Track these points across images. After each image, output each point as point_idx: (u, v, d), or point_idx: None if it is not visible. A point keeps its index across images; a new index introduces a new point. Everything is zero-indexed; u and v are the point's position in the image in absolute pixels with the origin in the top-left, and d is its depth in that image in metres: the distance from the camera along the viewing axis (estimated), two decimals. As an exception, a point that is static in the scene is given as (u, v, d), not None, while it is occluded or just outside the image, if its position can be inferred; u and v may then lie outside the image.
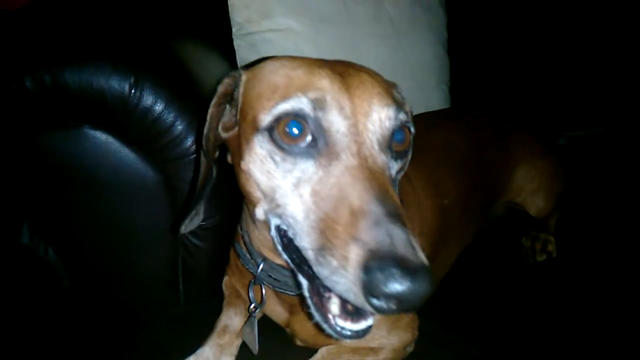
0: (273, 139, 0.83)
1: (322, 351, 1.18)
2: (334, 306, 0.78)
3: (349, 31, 1.87)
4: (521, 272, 1.76)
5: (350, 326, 0.78)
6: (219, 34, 1.79)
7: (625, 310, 1.50)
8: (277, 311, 1.22)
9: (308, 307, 0.82)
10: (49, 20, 1.29)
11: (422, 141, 1.50)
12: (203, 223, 1.37)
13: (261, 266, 1.10)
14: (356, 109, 0.83)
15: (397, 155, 0.89)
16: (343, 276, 0.68)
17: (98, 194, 1.30)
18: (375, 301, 0.65)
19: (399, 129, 0.87)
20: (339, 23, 1.86)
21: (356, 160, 0.78)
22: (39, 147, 1.23)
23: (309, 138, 0.82)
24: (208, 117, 0.96)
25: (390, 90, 0.92)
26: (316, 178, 0.79)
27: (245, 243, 1.14)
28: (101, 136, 1.24)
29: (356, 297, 0.67)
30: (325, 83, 0.84)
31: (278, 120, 0.83)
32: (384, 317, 1.16)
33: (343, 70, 0.89)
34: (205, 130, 0.97)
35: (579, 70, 2.57)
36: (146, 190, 1.31)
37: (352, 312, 0.78)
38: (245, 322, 1.24)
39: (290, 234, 0.82)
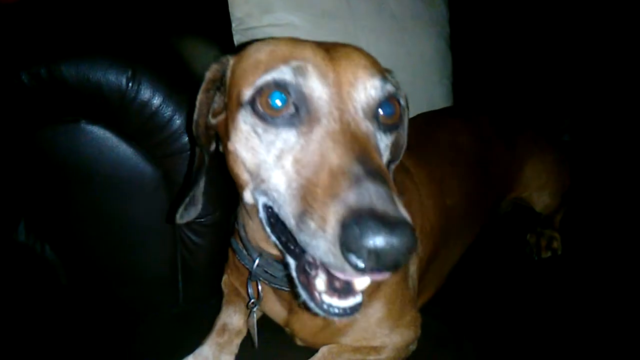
0: (255, 112, 0.83)
1: (322, 350, 1.15)
2: (320, 282, 0.75)
3: (350, 26, 1.84)
4: (526, 269, 1.74)
5: (337, 303, 0.75)
6: (218, 29, 1.77)
7: (632, 308, 1.48)
8: (276, 310, 1.20)
9: (296, 286, 0.79)
10: (45, 15, 1.27)
11: (425, 140, 1.50)
12: (202, 220, 1.35)
13: (257, 261, 1.08)
14: (340, 78, 0.82)
15: (386, 128, 0.87)
16: (322, 237, 0.66)
17: (96, 189, 1.28)
18: (353, 258, 0.62)
19: (386, 101, 0.86)
20: (340, 18, 1.83)
21: (338, 125, 0.77)
22: (36, 143, 1.22)
23: (291, 108, 0.81)
24: (197, 103, 0.96)
25: (378, 65, 0.90)
26: (298, 147, 0.78)
27: (241, 238, 1.12)
28: (98, 131, 1.23)
29: (335, 257, 0.65)
30: (308, 53, 0.84)
31: (260, 91, 0.82)
32: (386, 315, 1.14)
33: (330, 46, 0.88)
34: (195, 116, 0.96)
35: (582, 64, 2.55)
36: (144, 185, 1.29)
37: (340, 288, 0.75)
38: (247, 318, 1.22)
39: (275, 209, 0.80)
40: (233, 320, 1.26)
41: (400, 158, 1.08)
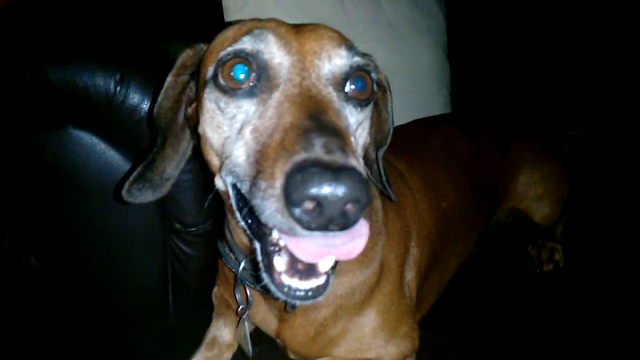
0: (217, 85, 0.81)
1: (316, 363, 1.11)
2: (279, 262, 0.72)
3: (347, 33, 1.81)
4: (527, 282, 1.71)
5: (297, 284, 0.72)
6: (213, 36, 1.75)
7: (637, 321, 1.43)
8: (267, 320, 1.16)
9: (259, 270, 0.76)
10: (32, 18, 1.24)
11: (419, 144, 1.48)
12: (193, 229, 1.32)
13: (242, 264, 1.04)
14: (304, 47, 0.81)
15: (357, 102, 0.85)
16: (270, 195, 0.63)
17: (83, 197, 1.24)
18: (296, 211, 0.59)
19: (356, 74, 0.84)
20: (336, 25, 1.81)
21: (297, 90, 0.75)
22: (22, 149, 1.18)
23: (253, 79, 0.80)
24: (165, 84, 0.95)
25: (346, 39, 0.88)
26: (256, 115, 0.77)
27: (227, 241, 1.09)
28: (86, 137, 1.19)
29: (282, 215, 0.61)
30: (271, 24, 0.84)
31: (221, 64, 0.81)
32: (381, 325, 1.10)
33: (300, 24, 0.88)
34: (160, 98, 0.95)
35: (579, 72, 2.53)
36: (133, 194, 1.25)
37: (302, 270, 0.72)
38: (237, 326, 1.18)
39: (239, 185, 0.77)
40: (223, 333, 1.22)
41: (387, 144, 1.06)
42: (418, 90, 1.99)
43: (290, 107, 0.71)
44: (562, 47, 2.53)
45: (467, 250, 1.56)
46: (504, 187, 1.72)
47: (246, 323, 1.13)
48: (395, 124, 1.69)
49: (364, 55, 0.96)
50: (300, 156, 0.61)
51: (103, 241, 1.31)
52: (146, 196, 1.01)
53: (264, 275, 0.74)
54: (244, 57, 0.80)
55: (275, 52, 0.79)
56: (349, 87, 0.83)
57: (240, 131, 0.78)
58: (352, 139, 0.78)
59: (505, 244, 1.91)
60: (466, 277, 1.59)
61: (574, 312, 1.50)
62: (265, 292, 0.75)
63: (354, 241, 0.67)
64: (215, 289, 1.33)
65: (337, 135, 0.65)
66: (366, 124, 0.89)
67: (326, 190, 0.57)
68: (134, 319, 1.45)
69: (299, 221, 0.60)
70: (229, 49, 0.81)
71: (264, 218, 0.64)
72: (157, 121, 0.97)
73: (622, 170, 2.32)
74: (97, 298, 1.40)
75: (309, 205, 0.58)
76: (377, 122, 1.06)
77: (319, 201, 0.58)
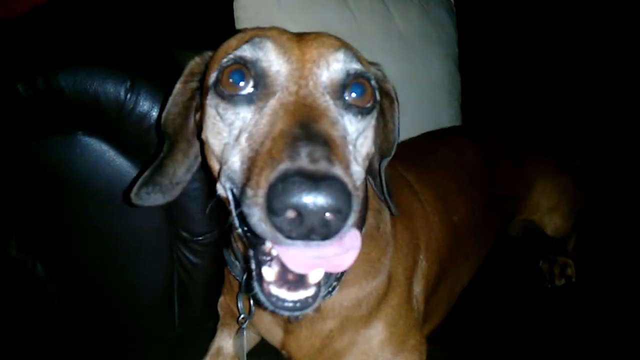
0: (217, 92, 0.82)
1: (321, 376, 1.09)
2: (269, 272, 0.72)
3: (359, 45, 1.80)
4: (539, 297, 1.68)
5: (285, 295, 0.71)
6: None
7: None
8: (272, 331, 1.14)
9: (252, 278, 0.75)
10: (45, 26, 1.25)
11: (429, 156, 1.47)
12: (200, 238, 1.31)
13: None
14: (305, 55, 0.81)
15: (357, 110, 0.83)
16: (255, 204, 0.62)
17: (90, 204, 1.24)
18: (277, 220, 0.59)
19: (354, 81, 0.83)
20: (348, 38, 1.81)
21: (292, 98, 0.75)
22: (30, 154, 1.18)
23: (251, 85, 0.80)
24: (174, 91, 0.96)
25: (348, 45, 0.88)
26: (252, 122, 0.77)
27: (233, 249, 1.08)
28: (95, 143, 1.19)
29: (265, 224, 0.61)
30: (272, 32, 0.84)
31: (222, 71, 0.82)
32: (388, 338, 1.08)
33: (303, 32, 0.88)
34: (168, 104, 0.96)
35: (591, 85, 2.51)
36: (141, 202, 1.25)
37: (292, 281, 0.71)
38: (235, 335, 1.16)
39: (234, 191, 0.78)
40: (228, 344, 1.21)
41: (392, 154, 1.05)
42: (428, 102, 1.98)
43: (283, 115, 0.71)
44: (574, 60, 2.51)
45: (478, 263, 1.54)
46: (517, 198, 1.70)
47: (245, 333, 1.11)
48: (406, 136, 1.71)
49: (371, 64, 0.95)
50: (285, 165, 0.60)
51: (109, 249, 1.30)
52: (155, 199, 1.01)
53: (255, 284, 0.73)
54: (243, 64, 0.80)
55: (273, 60, 0.80)
56: (348, 95, 0.83)
57: (237, 138, 0.78)
58: (350, 148, 0.78)
59: (516, 258, 1.89)
60: (476, 292, 1.56)
61: (586, 327, 1.47)
62: (255, 301, 0.74)
63: (344, 254, 0.67)
64: (221, 299, 1.32)
65: (325, 144, 0.65)
66: (369, 133, 0.87)
67: (306, 199, 0.57)
68: (139, 328, 1.44)
69: (280, 230, 0.60)
70: (230, 56, 0.82)
71: (251, 226, 0.64)
72: (164, 127, 0.98)
73: (634, 186, 2.29)
74: (103, 306, 1.39)
75: (290, 214, 0.58)
76: (384, 132, 1.05)
77: (299, 211, 0.57)
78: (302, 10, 1.78)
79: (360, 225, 1.01)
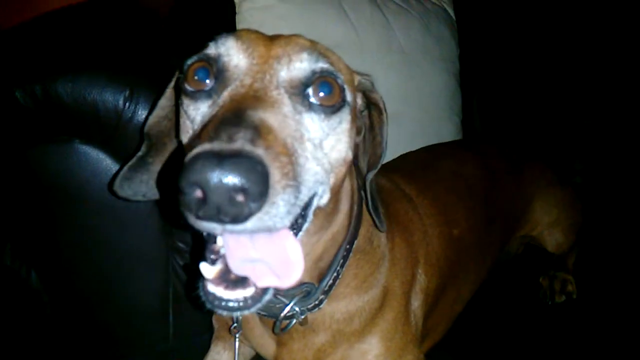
0: (184, 90, 0.82)
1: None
2: (207, 268, 0.70)
3: (360, 59, 1.83)
4: (539, 314, 1.66)
5: (222, 293, 0.69)
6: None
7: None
8: (265, 345, 1.11)
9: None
10: (44, 34, 1.25)
11: (428, 169, 1.47)
12: (196, 248, 1.29)
13: None
14: (269, 52, 0.81)
15: (322, 109, 0.81)
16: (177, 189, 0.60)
17: (86, 213, 1.23)
18: (184, 198, 0.57)
19: (321, 80, 0.81)
20: (349, 51, 1.82)
21: (244, 90, 0.74)
22: (27, 162, 1.18)
23: (212, 80, 0.80)
24: (163, 95, 0.97)
25: (316, 45, 0.86)
26: (208, 115, 0.76)
27: None
28: (92, 152, 1.19)
29: (180, 205, 0.59)
30: (242, 32, 0.84)
31: (187, 69, 0.82)
32: (384, 353, 1.06)
33: (279, 34, 0.88)
34: (156, 108, 0.98)
35: (593, 101, 2.51)
36: (138, 211, 1.24)
37: (233, 280, 0.69)
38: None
39: None
40: (222, 357, 1.18)
41: (379, 167, 1.01)
42: (429, 117, 1.98)
43: (227, 104, 0.71)
44: (575, 77, 2.51)
45: (479, 278, 1.52)
46: (518, 212, 1.69)
47: (237, 343, 1.08)
48: (405, 150, 1.70)
49: (361, 74, 0.95)
50: (202, 147, 0.59)
51: (105, 259, 1.29)
52: (137, 191, 1.03)
53: (200, 284, 0.71)
54: (207, 61, 0.81)
55: (233, 55, 0.80)
56: (315, 95, 0.81)
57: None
58: (307, 145, 0.75)
59: (516, 275, 1.87)
60: (476, 308, 1.54)
61: (587, 345, 1.44)
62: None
63: (285, 267, 0.66)
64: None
65: (254, 128, 0.63)
66: (343, 137, 0.85)
67: (208, 176, 0.55)
68: (133, 340, 1.41)
69: (188, 208, 0.58)
70: (199, 55, 0.82)
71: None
72: (147, 128, 1.00)
73: (636, 202, 2.28)
74: (96, 317, 1.37)
75: (197, 193, 0.57)
76: (372, 146, 1.02)
77: (202, 188, 0.56)
78: (301, 22, 1.79)
79: (351, 239, 1.00)
